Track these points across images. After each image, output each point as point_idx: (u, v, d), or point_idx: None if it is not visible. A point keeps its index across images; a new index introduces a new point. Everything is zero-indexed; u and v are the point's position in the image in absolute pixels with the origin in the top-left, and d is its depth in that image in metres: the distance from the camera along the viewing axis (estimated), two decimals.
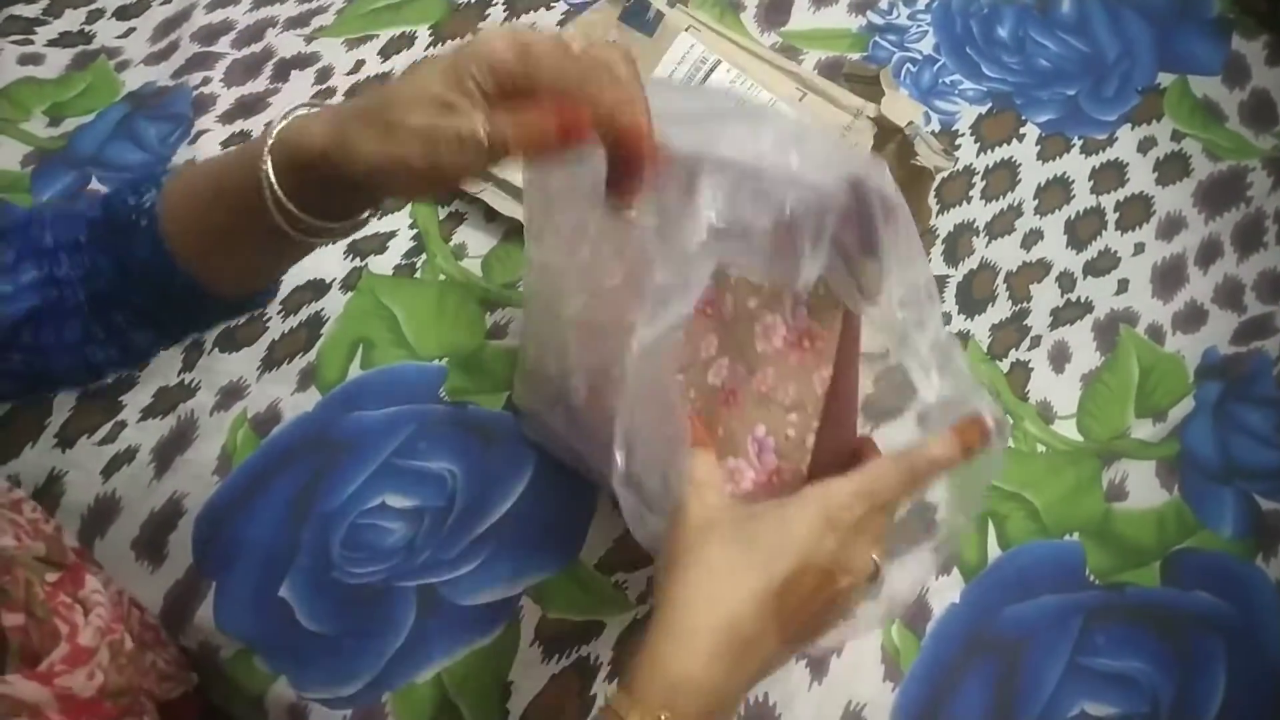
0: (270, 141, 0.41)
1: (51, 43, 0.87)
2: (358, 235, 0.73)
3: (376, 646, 0.58)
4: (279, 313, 0.69)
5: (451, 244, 0.73)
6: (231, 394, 0.66)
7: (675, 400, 0.47)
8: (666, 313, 0.43)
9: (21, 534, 0.43)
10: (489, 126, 0.38)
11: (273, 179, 0.41)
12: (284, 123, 0.42)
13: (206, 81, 0.83)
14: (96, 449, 0.64)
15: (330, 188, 0.41)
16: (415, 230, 0.74)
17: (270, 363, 0.67)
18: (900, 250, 0.44)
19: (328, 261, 0.72)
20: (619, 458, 0.44)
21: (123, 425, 0.65)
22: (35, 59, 0.85)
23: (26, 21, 0.88)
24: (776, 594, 0.39)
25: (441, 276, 0.72)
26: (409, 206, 0.75)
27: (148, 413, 0.66)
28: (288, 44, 0.85)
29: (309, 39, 0.85)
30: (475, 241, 0.74)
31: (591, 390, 0.54)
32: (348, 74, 0.83)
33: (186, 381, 0.66)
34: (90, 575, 0.44)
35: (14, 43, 0.86)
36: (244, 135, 0.79)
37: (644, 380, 0.44)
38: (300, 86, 0.83)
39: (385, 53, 0.84)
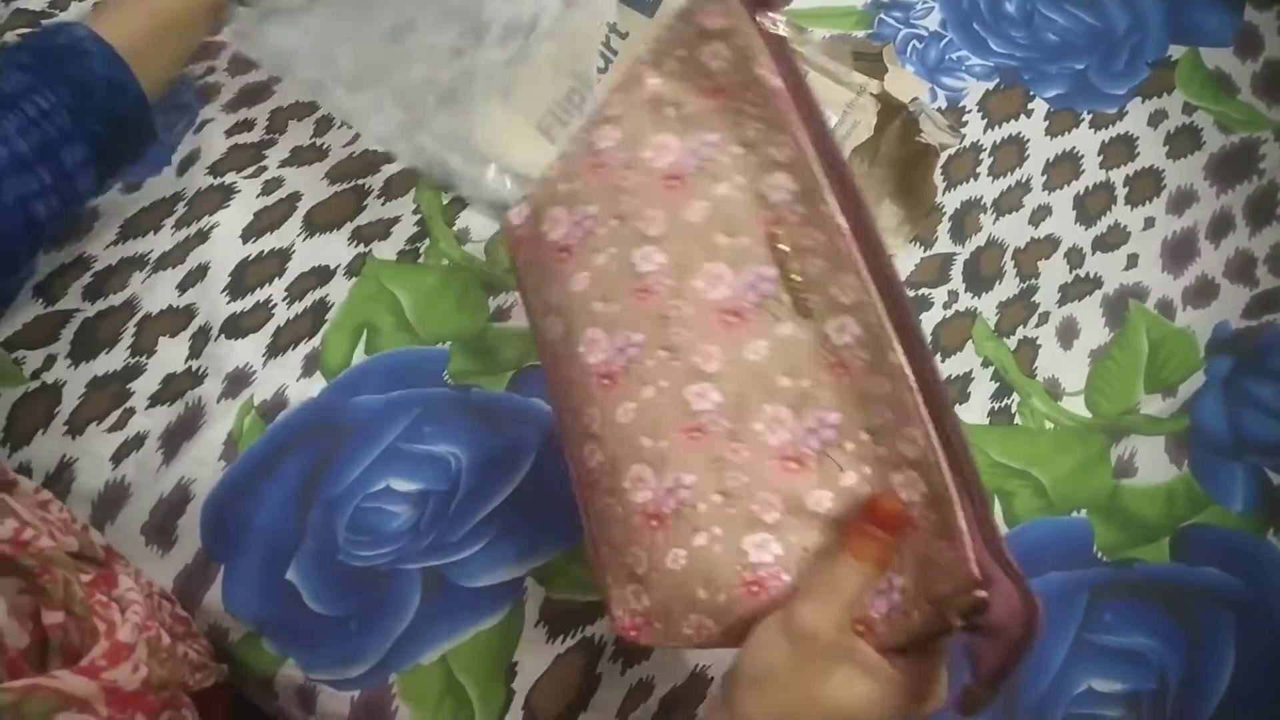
0: None
1: None
2: (362, 221, 0.74)
3: (382, 628, 0.58)
4: (284, 299, 0.70)
5: (455, 229, 0.74)
6: (238, 381, 0.66)
7: None
8: None
9: (55, 532, 0.44)
10: None
11: None
12: None
13: (210, 71, 0.83)
14: (106, 435, 0.65)
15: None
16: (419, 215, 0.74)
17: (275, 349, 0.68)
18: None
19: (332, 248, 0.72)
20: None
21: (131, 412, 0.66)
22: None
23: (33, 15, 0.88)
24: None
25: (445, 261, 0.72)
26: (412, 192, 0.75)
27: (155, 400, 0.66)
28: None
29: None
30: (478, 226, 0.74)
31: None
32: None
33: (194, 369, 0.67)
34: (123, 575, 0.45)
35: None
36: (248, 124, 0.80)
37: None
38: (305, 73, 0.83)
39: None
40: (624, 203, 0.45)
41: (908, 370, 0.39)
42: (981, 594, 0.36)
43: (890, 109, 0.72)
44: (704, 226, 0.44)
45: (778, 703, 0.38)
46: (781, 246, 0.42)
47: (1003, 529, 0.61)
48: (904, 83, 0.72)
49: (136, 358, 0.67)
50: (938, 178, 0.75)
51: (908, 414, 0.39)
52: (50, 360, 0.68)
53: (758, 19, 0.42)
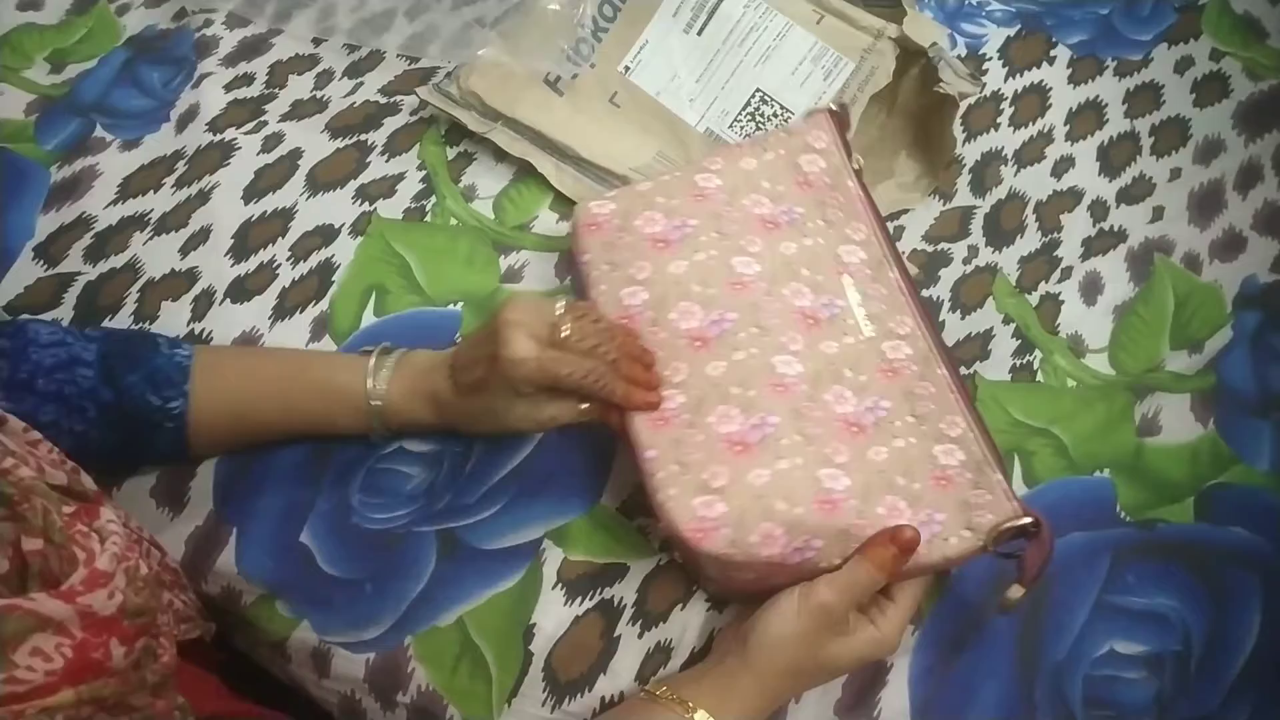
0: (376, 404, 0.57)
1: None
2: (365, 179, 0.72)
3: (398, 591, 0.58)
4: (288, 259, 0.68)
5: (461, 185, 0.72)
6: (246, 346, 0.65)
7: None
8: None
9: (43, 465, 0.45)
10: (576, 410, 0.55)
11: (380, 423, 0.58)
12: (378, 387, 0.57)
13: (208, 24, 0.81)
14: None
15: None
16: (424, 172, 0.72)
17: (282, 312, 0.66)
18: None
19: (336, 206, 0.71)
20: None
21: None
22: (35, 4, 0.83)
23: None
24: (824, 677, 0.53)
25: (453, 220, 0.70)
26: (416, 147, 0.73)
27: None
28: None
29: None
30: (485, 183, 0.72)
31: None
32: (352, 11, 0.81)
33: (197, 331, 0.66)
34: (105, 508, 0.45)
35: None
36: (247, 78, 0.78)
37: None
38: (302, 26, 0.81)
39: None
40: (726, 225, 0.59)
41: (952, 381, 0.56)
42: (1031, 518, 0.50)
43: (909, 55, 0.70)
44: (793, 258, 0.59)
45: (788, 656, 0.49)
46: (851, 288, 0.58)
47: (1022, 489, 0.61)
48: (923, 26, 0.69)
49: (140, 324, 0.66)
50: (957, 128, 0.73)
51: (950, 407, 0.55)
52: None
53: (852, 155, 0.64)
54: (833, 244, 0.60)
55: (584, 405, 0.55)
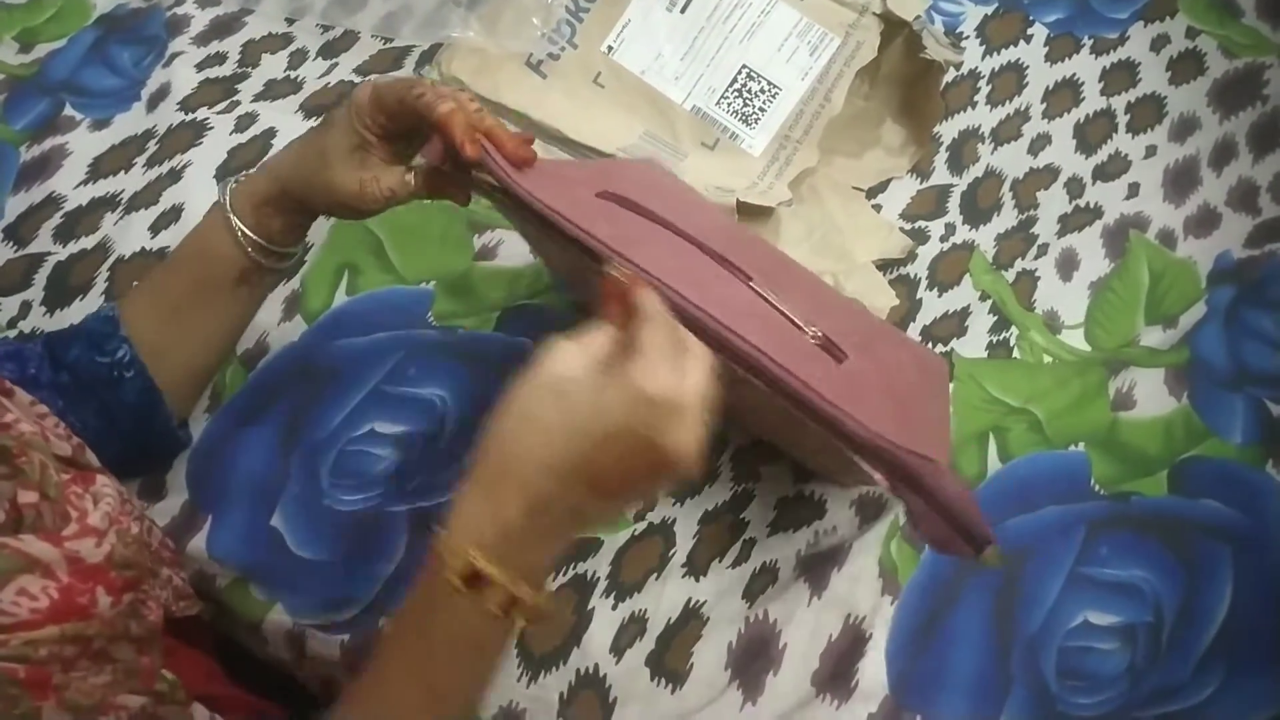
0: (227, 200, 0.53)
1: None
2: None
3: (370, 572, 0.57)
4: None
5: None
6: None
7: None
8: None
9: (48, 434, 0.45)
10: (401, 180, 0.51)
11: (237, 221, 0.53)
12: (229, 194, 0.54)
13: (179, 2, 0.80)
14: None
15: (285, 215, 0.54)
16: None
17: None
18: None
19: None
20: None
21: None
22: None
23: None
24: (587, 459, 0.39)
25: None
26: None
27: None
28: None
29: None
30: None
31: None
32: None
33: None
34: (102, 476, 0.46)
35: None
36: (219, 57, 0.77)
37: None
38: (274, 5, 0.80)
39: None
40: None
41: None
42: None
43: (892, 27, 0.70)
44: None
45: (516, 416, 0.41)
46: None
47: (997, 464, 0.60)
48: (906, 0, 0.69)
49: (111, 303, 0.65)
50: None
51: None
52: (26, 307, 0.66)
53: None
54: None
55: (409, 175, 0.51)
